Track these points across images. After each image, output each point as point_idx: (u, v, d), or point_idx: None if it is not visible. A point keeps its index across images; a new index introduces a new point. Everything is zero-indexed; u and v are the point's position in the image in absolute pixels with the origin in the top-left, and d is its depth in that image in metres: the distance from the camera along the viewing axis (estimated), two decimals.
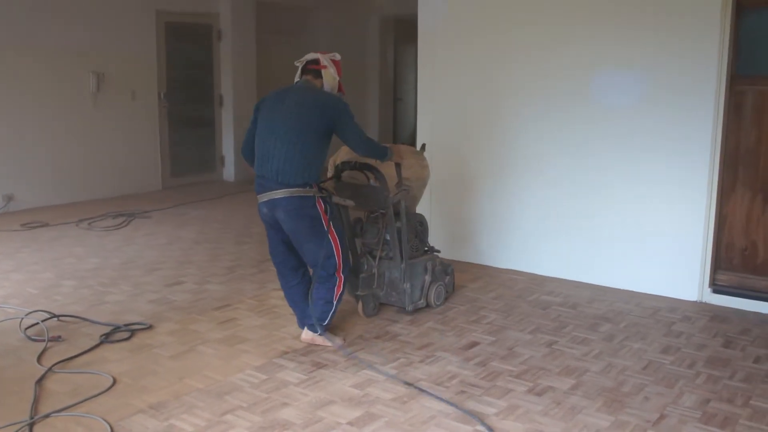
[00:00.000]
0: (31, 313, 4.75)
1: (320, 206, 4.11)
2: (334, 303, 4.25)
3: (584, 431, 3.34)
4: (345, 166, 4.64)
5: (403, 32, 12.36)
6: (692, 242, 5.16)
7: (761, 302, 5.00)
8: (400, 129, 13.35)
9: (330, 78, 4.23)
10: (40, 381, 3.78)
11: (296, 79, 4.30)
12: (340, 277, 4.23)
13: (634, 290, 5.41)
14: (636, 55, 5.25)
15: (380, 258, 4.83)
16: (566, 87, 5.57)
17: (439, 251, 5.13)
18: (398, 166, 4.61)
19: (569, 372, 3.97)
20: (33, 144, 8.38)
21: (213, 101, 10.54)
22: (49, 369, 3.92)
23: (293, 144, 4.01)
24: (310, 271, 4.31)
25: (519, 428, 3.35)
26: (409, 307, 4.79)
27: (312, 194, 4.07)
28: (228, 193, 9.60)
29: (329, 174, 4.70)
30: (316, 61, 4.24)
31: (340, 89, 4.30)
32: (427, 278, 4.89)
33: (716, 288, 5.17)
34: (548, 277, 5.78)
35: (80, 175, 8.87)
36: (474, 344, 4.38)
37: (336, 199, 4.44)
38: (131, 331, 4.53)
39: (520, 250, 5.97)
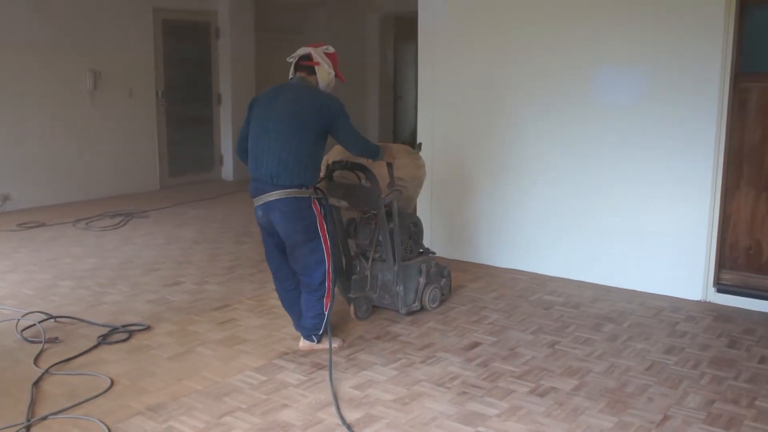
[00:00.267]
0: (27, 314, 4.74)
1: (316, 208, 4.05)
2: (326, 314, 4.18)
3: None
4: (336, 165, 4.58)
5: (404, 30, 12.36)
6: (696, 241, 5.15)
7: (766, 302, 4.99)
8: (401, 128, 13.34)
9: (324, 74, 4.14)
10: (36, 383, 3.77)
11: (290, 76, 4.22)
12: (329, 287, 4.15)
13: (638, 290, 5.41)
14: (638, 53, 5.24)
15: (373, 259, 4.79)
16: (568, 85, 5.56)
17: (434, 253, 5.07)
18: (390, 165, 4.55)
19: (572, 373, 3.97)
20: (29, 143, 8.37)
21: (211, 100, 10.54)
22: (46, 371, 3.91)
23: (288, 145, 3.94)
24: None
25: (521, 429, 3.34)
26: (403, 310, 4.74)
27: (308, 195, 4.01)
28: (227, 192, 9.59)
29: (321, 174, 4.66)
30: (309, 57, 4.13)
31: (339, 78, 4.22)
32: (422, 280, 4.83)
33: (720, 287, 5.16)
34: (550, 277, 5.78)
35: (77, 174, 8.87)
36: (475, 345, 4.37)
37: (332, 200, 4.41)
38: (129, 332, 4.52)
39: (522, 249, 5.96)
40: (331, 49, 4.22)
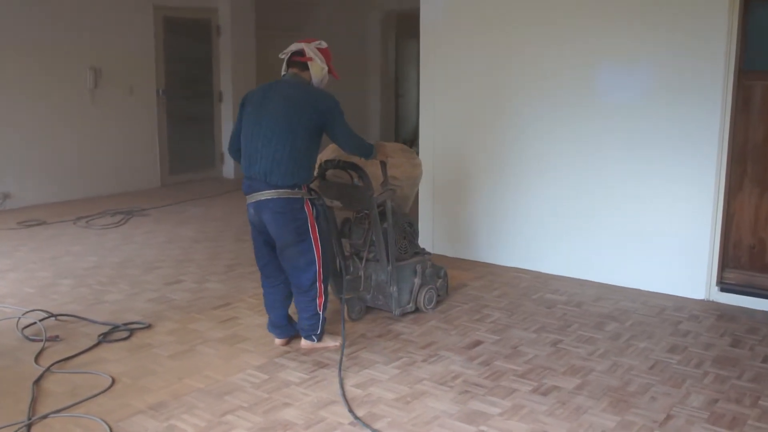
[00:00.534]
0: (28, 312, 4.75)
1: (308, 209, 4.02)
2: (320, 313, 4.16)
3: (590, 431, 3.34)
4: (329, 164, 4.54)
5: (405, 27, 12.35)
6: (699, 240, 5.15)
7: None
8: (402, 126, 13.34)
9: (318, 70, 4.08)
10: (37, 381, 3.78)
11: (282, 72, 4.17)
12: (321, 287, 4.12)
13: (641, 288, 5.41)
14: (641, 50, 5.23)
15: (367, 260, 4.75)
16: (571, 83, 5.55)
17: (429, 253, 5.01)
18: (383, 164, 4.51)
19: (574, 371, 3.97)
20: (30, 141, 8.38)
21: (212, 97, 10.54)
22: (47, 369, 3.92)
23: (282, 143, 3.90)
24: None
25: (523, 428, 3.35)
26: (397, 312, 4.71)
27: (300, 196, 3.98)
28: (227, 190, 9.59)
29: (315, 173, 4.62)
30: (301, 53, 4.08)
31: (332, 74, 4.18)
32: (417, 281, 4.79)
33: (723, 286, 5.15)
34: (553, 276, 5.78)
35: (78, 172, 8.88)
36: (478, 343, 4.37)
37: (326, 201, 4.38)
38: (130, 330, 4.53)
39: (524, 248, 5.96)
40: (324, 45, 4.16)
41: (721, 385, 3.81)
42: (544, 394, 3.70)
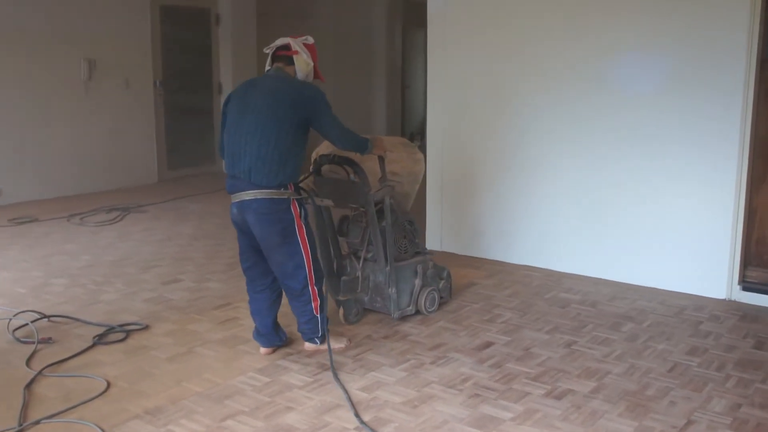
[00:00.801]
0: (19, 313, 4.74)
1: (295, 210, 3.97)
2: (318, 316, 4.13)
3: None
4: (323, 159, 4.48)
5: (412, 15, 12.34)
6: (720, 236, 5.12)
7: None
8: (409, 118, 13.33)
9: (303, 64, 4.05)
10: (29, 385, 3.77)
11: (267, 67, 4.14)
12: (314, 290, 4.08)
13: (658, 287, 5.39)
14: (658, 39, 5.20)
15: (365, 260, 4.70)
16: (585, 73, 5.53)
17: (432, 253, 4.94)
18: (381, 159, 4.46)
19: (590, 374, 3.95)
20: (21, 135, 8.40)
21: (211, 89, 10.55)
22: (39, 372, 3.91)
23: (266, 139, 3.85)
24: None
25: None
26: (396, 315, 4.65)
27: (287, 196, 3.93)
28: None
29: (310, 168, 4.56)
30: (287, 47, 4.06)
31: (317, 76, 4.14)
32: (418, 282, 4.73)
33: (746, 285, 5.12)
34: (566, 274, 5.76)
35: (71, 167, 8.89)
36: (488, 344, 4.35)
37: (316, 200, 4.33)
38: (126, 332, 4.52)
39: (537, 245, 5.94)
40: (311, 40, 4.14)
41: (744, 390, 3.78)
42: (558, 398, 3.68)
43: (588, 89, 5.53)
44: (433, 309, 4.86)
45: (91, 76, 8.94)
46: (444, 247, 6.38)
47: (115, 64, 9.19)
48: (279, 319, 4.25)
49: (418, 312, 4.80)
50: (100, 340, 4.38)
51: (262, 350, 4.24)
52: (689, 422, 3.44)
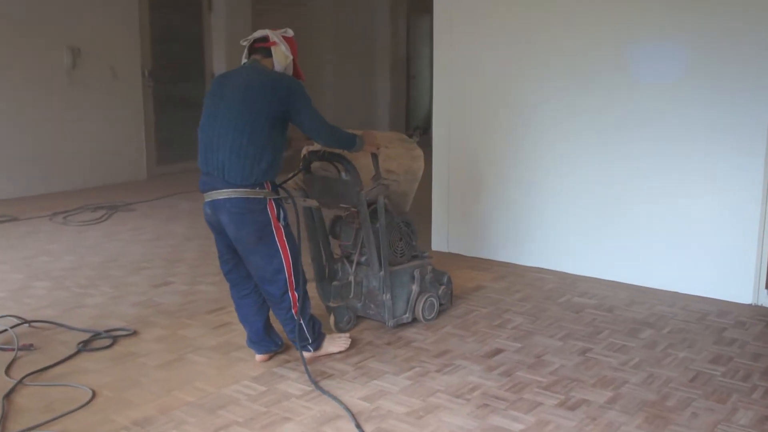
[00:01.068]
0: None
1: (272, 210, 3.95)
2: (303, 321, 4.10)
3: None
4: (313, 156, 4.46)
5: (417, 2, 12.34)
6: (746, 238, 5.12)
7: None
8: (414, 111, 13.34)
9: (281, 56, 4.04)
10: (8, 395, 3.77)
11: (243, 60, 4.16)
12: (294, 295, 4.05)
13: (679, 291, 5.39)
14: (682, 23, 5.19)
15: (358, 263, 4.67)
16: (602, 62, 5.52)
17: (430, 257, 4.89)
18: (375, 156, 4.44)
19: (605, 383, 3.95)
20: (0, 128, 8.39)
21: (204, 80, 10.56)
22: (20, 381, 3.91)
23: (240, 134, 3.84)
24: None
25: None
26: (390, 323, 4.61)
27: (262, 196, 3.91)
28: None
29: (300, 165, 4.54)
30: (265, 38, 4.07)
31: (297, 73, 4.13)
32: (415, 288, 4.69)
33: None
34: (580, 277, 5.77)
35: (54, 162, 8.90)
36: (498, 351, 4.36)
37: (298, 200, 4.29)
38: (113, 337, 4.53)
39: (549, 246, 5.95)
40: (291, 33, 4.14)
41: None
42: (572, 408, 3.68)
43: (606, 78, 5.52)
44: (431, 317, 4.82)
45: (74, 65, 8.95)
46: (450, 248, 6.39)
47: (101, 52, 9.20)
48: (276, 324, 4.26)
49: (415, 320, 4.78)
50: (84, 346, 4.39)
51: (258, 357, 4.24)
52: None
